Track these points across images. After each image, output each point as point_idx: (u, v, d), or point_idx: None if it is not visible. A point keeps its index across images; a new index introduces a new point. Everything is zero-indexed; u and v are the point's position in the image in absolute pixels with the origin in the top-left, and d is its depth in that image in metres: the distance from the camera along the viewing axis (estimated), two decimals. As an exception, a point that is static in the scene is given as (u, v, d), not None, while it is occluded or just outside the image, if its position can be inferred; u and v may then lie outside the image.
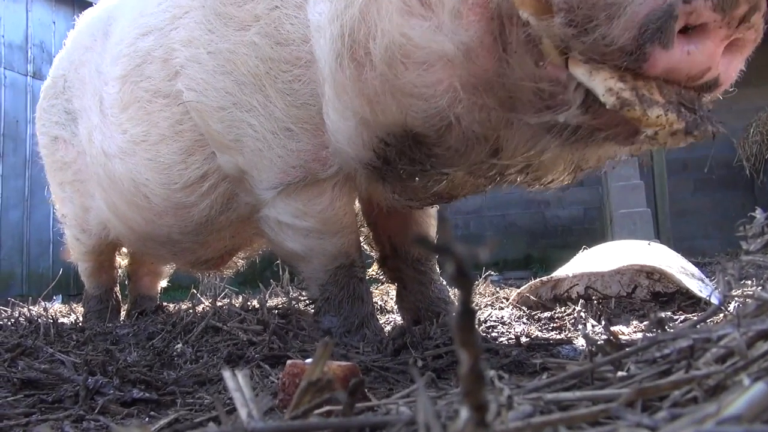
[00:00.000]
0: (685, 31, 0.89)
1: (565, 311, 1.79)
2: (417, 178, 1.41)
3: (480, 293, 2.72)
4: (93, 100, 2.08)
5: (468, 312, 0.37)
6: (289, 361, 0.76)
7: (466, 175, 1.38)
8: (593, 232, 7.20)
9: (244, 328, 1.52)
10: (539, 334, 1.51)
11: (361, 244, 1.82)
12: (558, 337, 1.43)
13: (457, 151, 1.24)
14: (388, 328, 1.82)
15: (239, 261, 2.52)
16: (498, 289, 3.20)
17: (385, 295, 2.76)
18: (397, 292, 1.93)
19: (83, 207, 2.33)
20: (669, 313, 1.65)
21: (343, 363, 0.74)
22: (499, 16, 1.03)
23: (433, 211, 1.94)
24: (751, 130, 6.73)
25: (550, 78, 1.00)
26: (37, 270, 7.73)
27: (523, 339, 1.39)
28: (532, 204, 7.84)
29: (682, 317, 1.61)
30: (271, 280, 3.66)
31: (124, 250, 2.65)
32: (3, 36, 7.78)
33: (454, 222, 8.05)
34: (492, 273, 3.69)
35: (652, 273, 2.07)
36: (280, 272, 4.02)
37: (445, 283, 1.89)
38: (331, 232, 1.62)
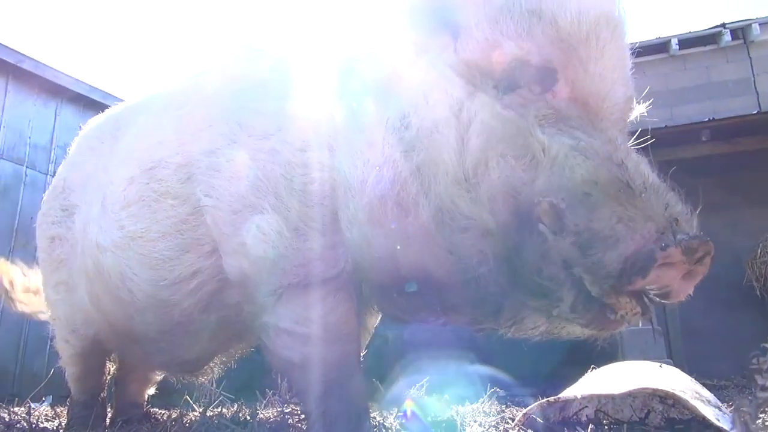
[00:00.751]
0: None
1: (574, 436, 1.67)
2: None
3: (485, 412, 2.58)
4: (95, 195, 2.17)
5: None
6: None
7: None
8: (603, 349, 6.97)
9: (230, 444, 1.42)
10: (546, 462, 1.40)
11: (361, 356, 1.76)
12: (566, 466, 1.32)
13: (468, 303, 1.40)
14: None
15: (215, 366, 2.46)
16: (504, 406, 3.05)
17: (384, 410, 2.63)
18: None
19: (73, 305, 2.30)
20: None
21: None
22: (522, 213, 1.25)
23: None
24: (759, 251, 6.71)
25: (551, 276, 1.22)
26: (32, 368, 7.51)
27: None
28: (540, 317, 7.68)
29: (701, 449, 1.50)
30: (267, 389, 3.52)
31: (114, 355, 2.58)
32: (30, 137, 8.13)
33: (459, 334, 7.85)
34: (498, 389, 3.53)
35: (665, 397, 1.96)
36: (279, 380, 3.87)
37: None
38: (332, 339, 1.58)
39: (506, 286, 1.31)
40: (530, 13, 1.30)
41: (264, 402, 3.44)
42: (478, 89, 1.34)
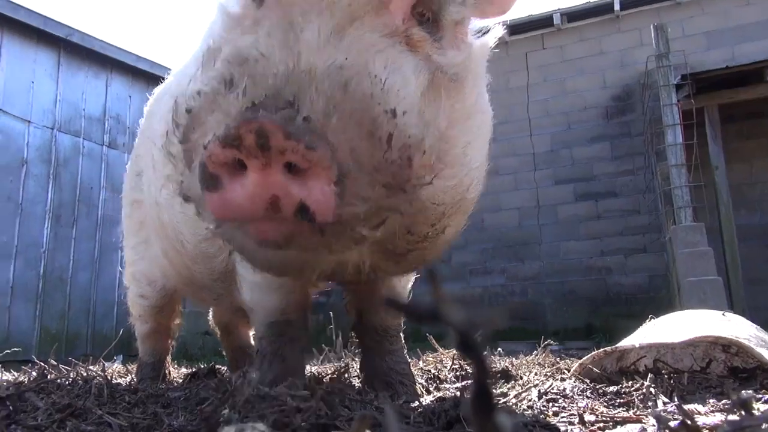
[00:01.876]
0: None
1: (632, 386, 1.66)
2: None
3: (539, 363, 2.59)
4: (149, 155, 2.32)
5: (483, 393, 0.32)
6: (333, 433, 0.72)
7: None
8: (659, 300, 6.84)
9: (291, 394, 1.48)
10: (605, 410, 1.40)
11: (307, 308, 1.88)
12: (626, 414, 1.31)
13: None
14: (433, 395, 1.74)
15: None
16: (558, 359, 3.04)
17: (439, 363, 2.67)
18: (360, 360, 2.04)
19: (152, 259, 2.47)
20: (751, 391, 1.51)
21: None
22: None
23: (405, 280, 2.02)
24: (826, 196, 6.36)
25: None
26: (101, 331, 7.98)
27: (587, 416, 1.29)
28: (593, 271, 7.57)
29: (767, 397, 1.46)
30: (323, 345, 3.62)
31: (177, 321, 2.74)
32: (84, 109, 8.40)
33: (510, 289, 7.84)
34: (552, 342, 3.53)
35: (728, 346, 1.91)
36: (333, 337, 3.98)
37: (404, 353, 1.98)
38: (272, 288, 1.74)
39: None
40: None
41: (321, 358, 3.55)
42: None
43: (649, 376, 1.68)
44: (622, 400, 1.52)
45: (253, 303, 1.81)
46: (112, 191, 8.45)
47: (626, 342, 2.00)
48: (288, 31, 0.98)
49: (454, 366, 2.45)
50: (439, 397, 1.77)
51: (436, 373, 2.35)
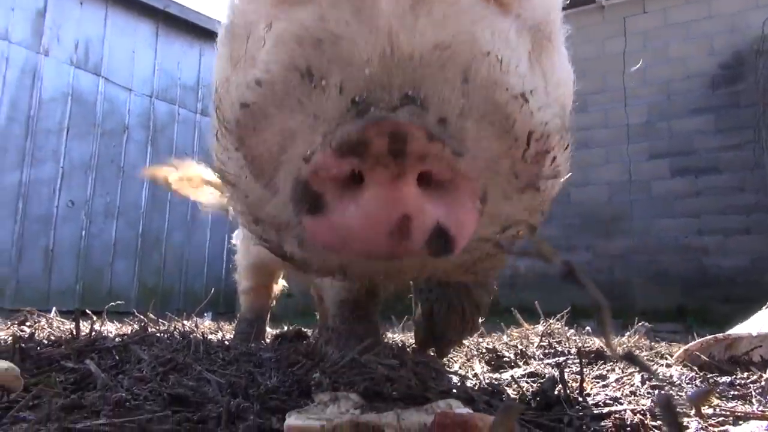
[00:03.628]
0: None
1: (748, 377, 1.52)
2: None
3: (635, 346, 2.45)
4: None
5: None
6: (438, 411, 0.68)
7: None
8: (763, 284, 6.34)
9: (380, 362, 1.46)
10: (719, 402, 1.29)
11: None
12: (746, 409, 1.20)
13: None
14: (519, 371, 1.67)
15: None
16: (653, 342, 2.88)
17: (525, 339, 2.59)
18: None
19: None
20: None
21: None
22: None
23: None
24: None
25: None
26: (192, 287, 8.43)
27: (703, 408, 1.18)
28: (688, 250, 7.12)
29: None
30: (407, 316, 3.61)
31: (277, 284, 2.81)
32: (179, 78, 8.75)
33: (596, 266, 7.53)
34: (644, 324, 3.34)
35: None
36: (413, 306, 3.97)
37: None
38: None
39: None
40: None
41: (400, 325, 3.56)
42: None
43: None
44: (737, 392, 1.39)
45: (322, 283, 1.81)
46: (204, 156, 8.81)
47: (739, 329, 1.84)
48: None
49: (542, 344, 2.36)
50: (531, 373, 1.71)
51: (523, 349, 2.28)
